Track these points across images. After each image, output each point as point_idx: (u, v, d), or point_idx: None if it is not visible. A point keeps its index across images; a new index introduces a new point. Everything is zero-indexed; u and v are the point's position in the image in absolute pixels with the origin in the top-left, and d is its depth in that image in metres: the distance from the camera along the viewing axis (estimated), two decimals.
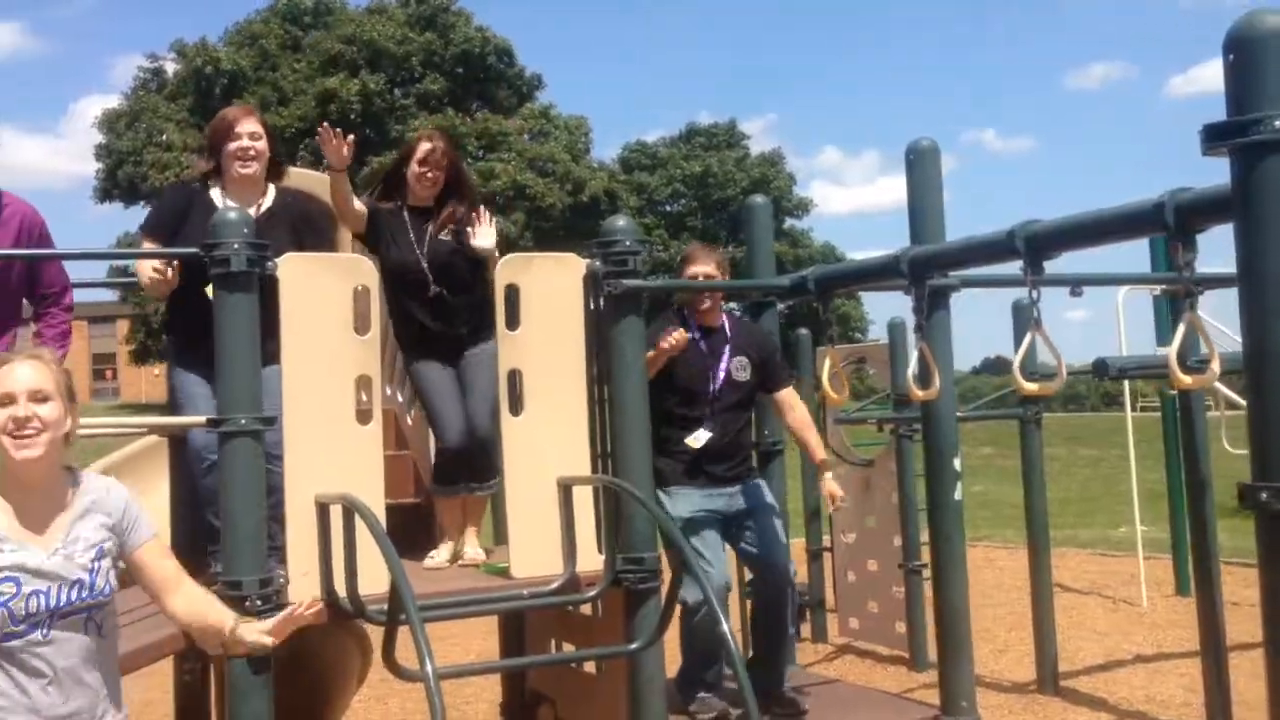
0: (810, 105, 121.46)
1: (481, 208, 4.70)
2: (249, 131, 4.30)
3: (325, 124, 4.45)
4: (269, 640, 2.91)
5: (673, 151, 53.40)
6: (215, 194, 4.33)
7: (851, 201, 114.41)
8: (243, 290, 3.55)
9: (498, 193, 38.33)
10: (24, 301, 4.49)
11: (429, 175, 4.63)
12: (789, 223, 49.90)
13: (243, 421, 3.51)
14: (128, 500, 2.71)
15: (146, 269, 4.12)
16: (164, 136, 42.15)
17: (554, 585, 3.96)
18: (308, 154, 39.87)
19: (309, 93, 42.39)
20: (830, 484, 5.01)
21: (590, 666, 4.66)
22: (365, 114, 41.95)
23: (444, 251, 4.59)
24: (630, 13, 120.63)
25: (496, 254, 4.54)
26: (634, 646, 3.84)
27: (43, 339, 4.50)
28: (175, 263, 4.04)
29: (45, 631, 2.48)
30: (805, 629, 7.77)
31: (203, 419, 3.78)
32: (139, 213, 45.15)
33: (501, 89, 46.21)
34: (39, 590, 2.47)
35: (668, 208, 51.03)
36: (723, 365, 4.83)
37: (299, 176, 4.93)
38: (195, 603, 2.80)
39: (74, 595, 2.50)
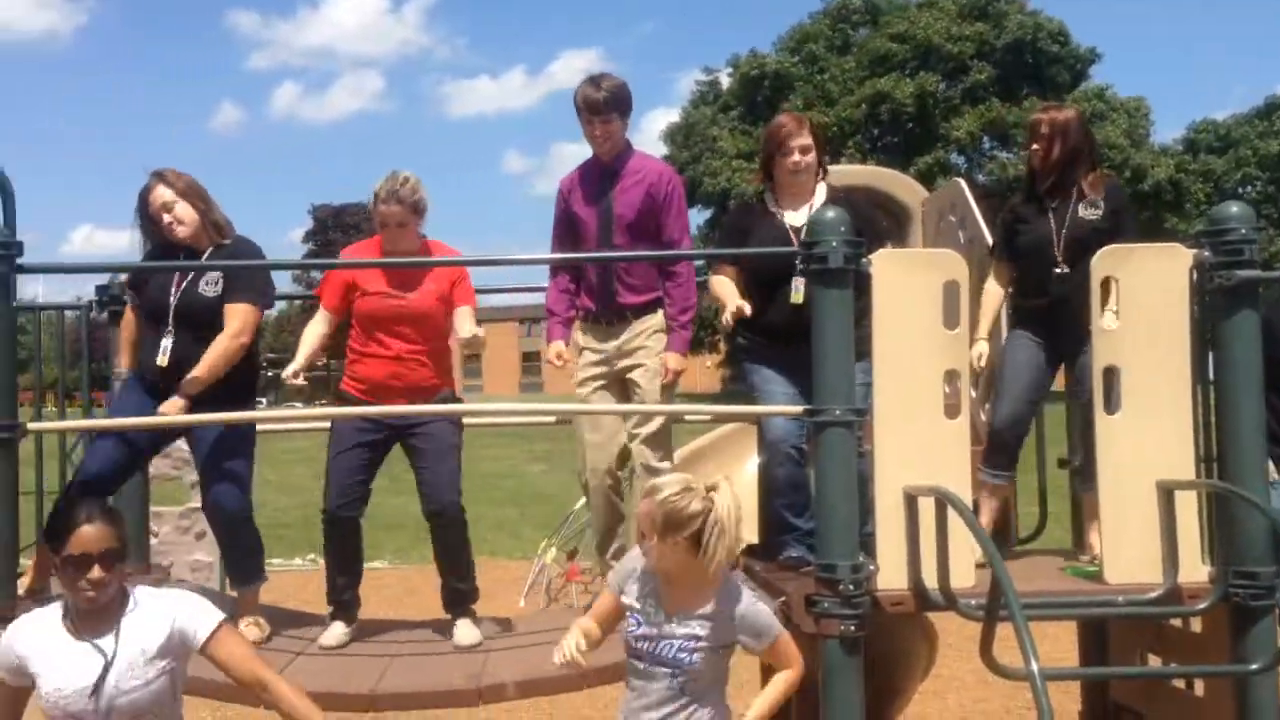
0: None
1: None
2: (799, 145, 4.53)
3: None
4: None
5: (1247, 130, 48.34)
6: (769, 202, 4.62)
7: None
8: (839, 286, 3.66)
9: None
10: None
11: (1035, 148, 4.63)
12: None
13: (837, 412, 3.63)
14: (749, 625, 3.18)
15: (726, 304, 4.39)
16: (718, 143, 44.83)
17: (1153, 595, 3.73)
18: (857, 152, 40.65)
19: (856, 93, 43.08)
20: None
21: (1180, 682, 4.34)
22: (918, 113, 41.95)
23: (1082, 227, 4.52)
24: None
25: None
26: (1253, 668, 3.52)
27: (672, 300, 4.72)
28: (735, 307, 4.28)
29: (645, 664, 3.19)
30: None
31: (796, 409, 3.97)
32: (694, 216, 48.66)
33: (1054, 69, 44.21)
34: (647, 637, 3.20)
35: (1240, 192, 46.22)
36: None
37: (838, 174, 5.05)
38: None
39: (666, 654, 3.16)
